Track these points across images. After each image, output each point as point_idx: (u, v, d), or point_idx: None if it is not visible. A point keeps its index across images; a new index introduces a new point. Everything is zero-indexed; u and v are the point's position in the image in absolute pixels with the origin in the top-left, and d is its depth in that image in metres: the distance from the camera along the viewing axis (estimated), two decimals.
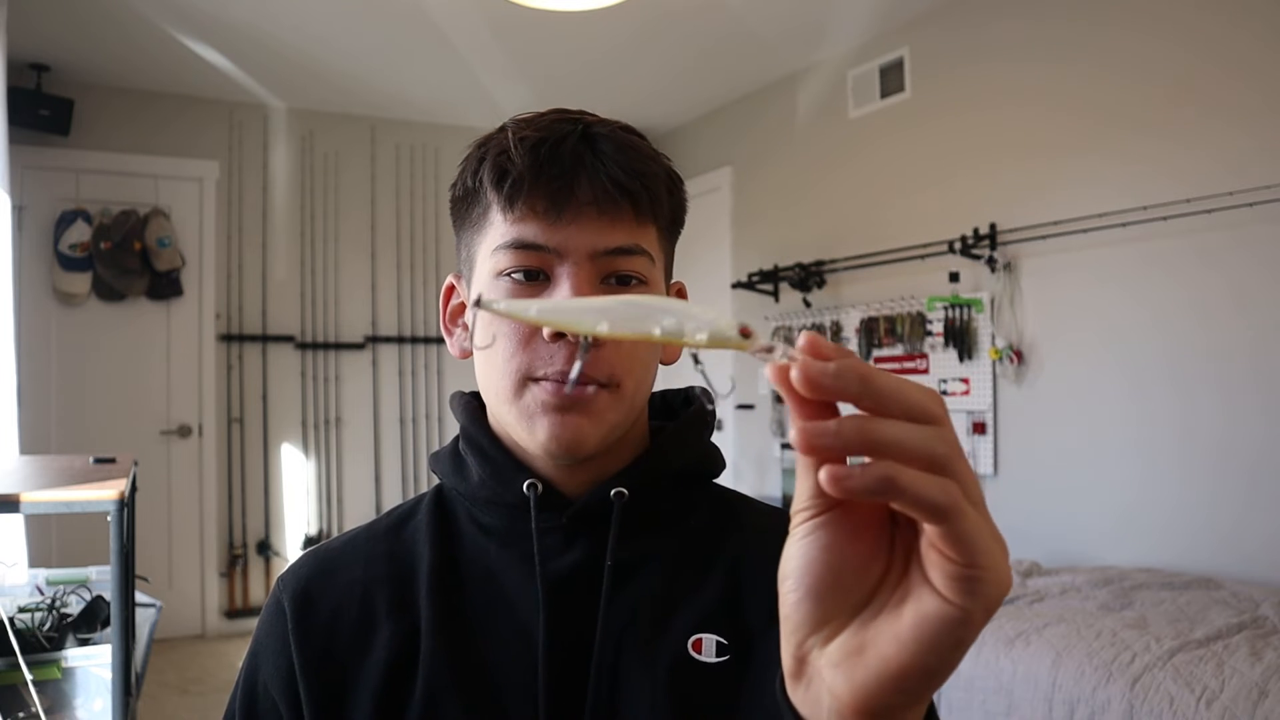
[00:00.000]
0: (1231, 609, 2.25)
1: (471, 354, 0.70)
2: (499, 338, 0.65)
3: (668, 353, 0.73)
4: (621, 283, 0.66)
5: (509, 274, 0.65)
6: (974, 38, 3.39)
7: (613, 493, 0.67)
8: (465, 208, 0.69)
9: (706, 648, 0.66)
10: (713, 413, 0.77)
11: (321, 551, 0.72)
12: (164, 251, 4.26)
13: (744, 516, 0.76)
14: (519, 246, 0.64)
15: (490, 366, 0.66)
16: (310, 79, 4.26)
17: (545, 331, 0.63)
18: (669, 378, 0.85)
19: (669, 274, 0.73)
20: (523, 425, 0.65)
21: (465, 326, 0.73)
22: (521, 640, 0.65)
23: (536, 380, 0.64)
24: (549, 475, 0.68)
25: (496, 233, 0.65)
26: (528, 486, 0.67)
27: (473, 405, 0.73)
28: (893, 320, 3.62)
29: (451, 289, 0.74)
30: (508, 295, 0.64)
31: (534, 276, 0.64)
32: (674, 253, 0.74)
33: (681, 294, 0.76)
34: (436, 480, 0.77)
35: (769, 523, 0.76)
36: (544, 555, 0.66)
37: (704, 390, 0.77)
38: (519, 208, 0.64)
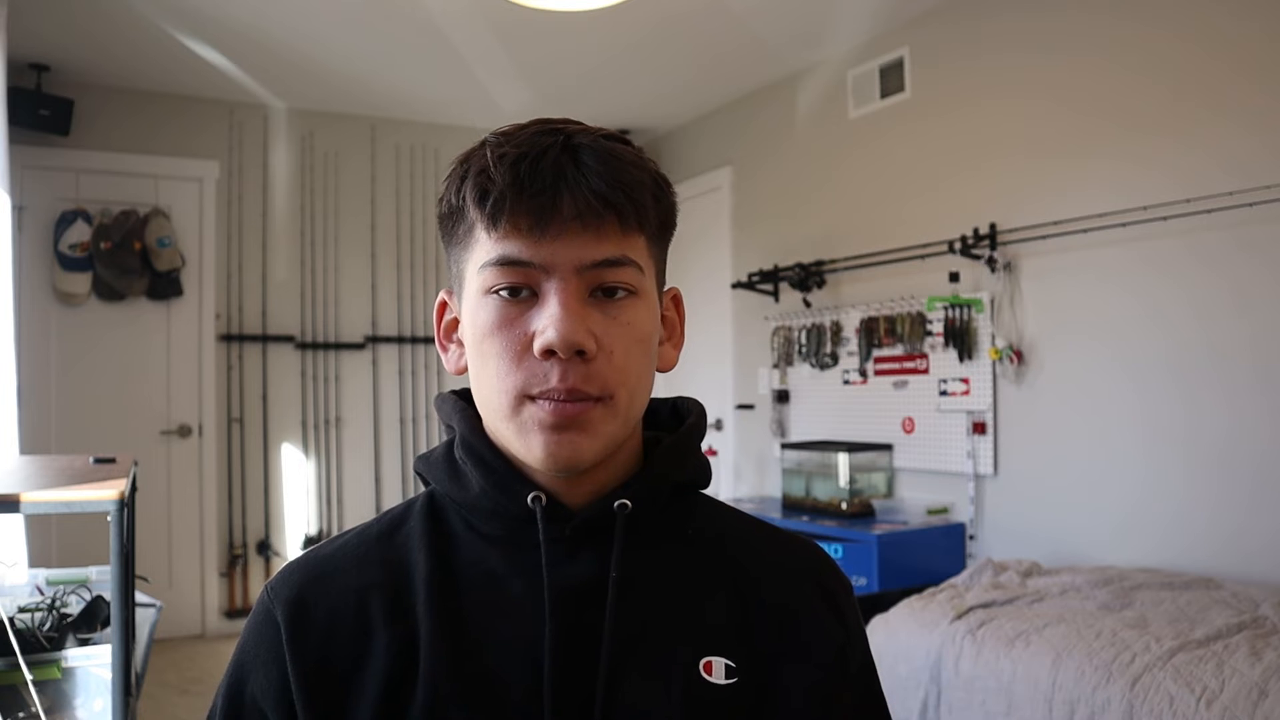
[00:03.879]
0: (1232, 609, 2.25)
1: (468, 370, 0.70)
2: (491, 357, 0.65)
3: (663, 361, 0.73)
4: (608, 294, 0.65)
5: (496, 291, 0.65)
6: (974, 38, 3.38)
7: (616, 504, 0.67)
8: (451, 225, 0.68)
9: (716, 670, 0.66)
10: (705, 426, 0.77)
11: (312, 558, 0.70)
12: (164, 251, 4.26)
13: (739, 530, 0.76)
14: (504, 264, 0.64)
15: (485, 384, 0.66)
16: (310, 79, 4.26)
17: (536, 348, 0.63)
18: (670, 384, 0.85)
19: (662, 280, 0.72)
20: (520, 441, 0.65)
21: (460, 344, 0.72)
22: (524, 651, 0.64)
23: (533, 399, 0.64)
24: (551, 486, 0.68)
25: (482, 250, 0.65)
26: (532, 499, 0.66)
27: (469, 412, 0.72)
28: (893, 320, 3.62)
29: (444, 305, 0.74)
30: (497, 313, 0.65)
31: (519, 293, 0.64)
32: (666, 257, 0.73)
33: (676, 300, 0.76)
34: (420, 483, 0.76)
35: (767, 539, 0.77)
36: (549, 567, 0.66)
37: (697, 401, 0.77)
38: (503, 225, 0.63)
